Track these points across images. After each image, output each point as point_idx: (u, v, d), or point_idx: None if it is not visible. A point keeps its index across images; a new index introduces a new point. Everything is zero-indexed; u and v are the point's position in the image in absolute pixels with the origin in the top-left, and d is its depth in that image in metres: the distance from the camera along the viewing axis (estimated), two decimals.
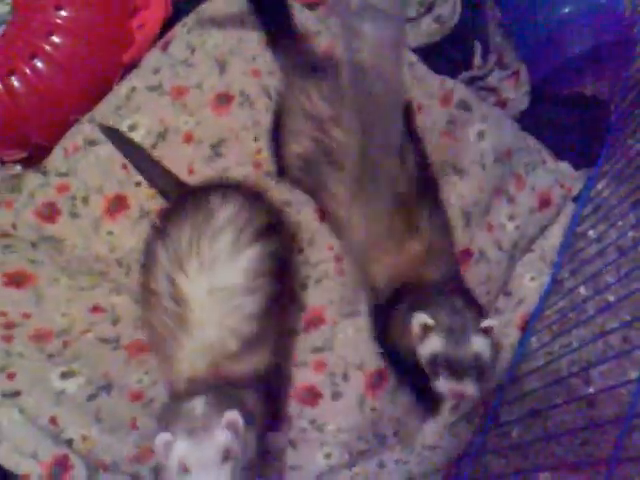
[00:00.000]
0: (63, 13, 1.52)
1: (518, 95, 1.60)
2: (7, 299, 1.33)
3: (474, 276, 1.35)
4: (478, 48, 1.61)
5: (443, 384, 1.07)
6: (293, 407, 1.26)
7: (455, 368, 1.06)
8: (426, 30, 1.62)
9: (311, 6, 1.66)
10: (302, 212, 1.45)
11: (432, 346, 1.09)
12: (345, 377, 1.27)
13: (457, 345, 1.07)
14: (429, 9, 1.63)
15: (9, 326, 1.29)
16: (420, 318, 1.09)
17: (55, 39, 1.52)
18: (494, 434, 1.36)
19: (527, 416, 1.36)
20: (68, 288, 1.38)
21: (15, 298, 1.34)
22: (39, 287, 1.36)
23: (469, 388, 1.06)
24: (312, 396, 1.27)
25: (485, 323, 1.10)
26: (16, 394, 1.21)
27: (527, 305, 1.42)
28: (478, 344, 1.08)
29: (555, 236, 1.50)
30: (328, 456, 1.23)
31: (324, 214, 1.44)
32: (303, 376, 1.28)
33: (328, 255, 1.42)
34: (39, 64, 1.51)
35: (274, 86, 1.50)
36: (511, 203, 1.44)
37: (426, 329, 1.09)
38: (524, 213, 1.44)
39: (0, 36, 1.58)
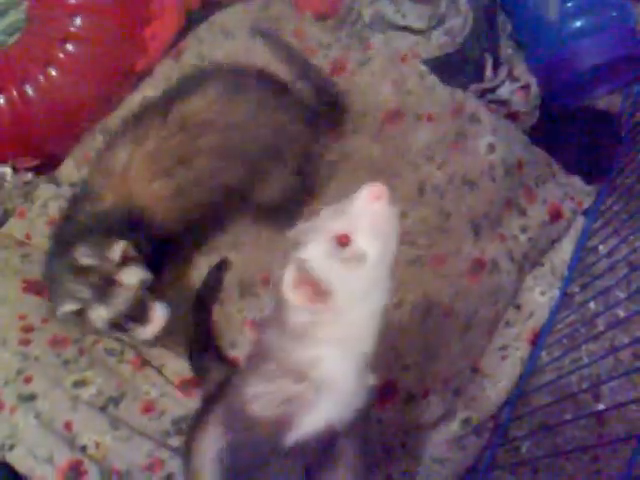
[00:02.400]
0: (77, 21, 1.53)
1: (528, 108, 1.60)
2: (27, 304, 1.34)
3: (486, 286, 1.34)
4: (489, 61, 1.61)
5: None
6: None
7: None
8: (437, 43, 1.62)
9: (322, 18, 1.68)
10: None
11: None
12: None
13: None
14: (440, 22, 1.63)
15: (28, 330, 1.30)
16: None
17: (69, 47, 1.53)
18: (503, 449, 1.34)
19: (537, 431, 1.35)
20: None
21: (35, 303, 1.35)
22: None
23: None
24: None
25: None
26: (32, 397, 1.21)
27: (537, 319, 1.41)
28: None
29: (565, 250, 1.49)
30: None
31: None
32: None
33: None
34: (53, 72, 1.53)
35: None
36: (523, 216, 1.44)
37: None
38: (536, 225, 1.43)
39: (15, 44, 1.60)
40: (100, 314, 1.14)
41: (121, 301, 1.14)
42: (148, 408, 1.25)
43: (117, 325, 1.17)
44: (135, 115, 1.31)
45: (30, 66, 1.53)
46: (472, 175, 1.41)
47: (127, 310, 1.15)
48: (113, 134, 1.33)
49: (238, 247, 1.46)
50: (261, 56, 1.54)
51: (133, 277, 1.16)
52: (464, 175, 1.42)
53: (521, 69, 1.64)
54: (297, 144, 1.35)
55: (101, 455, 1.18)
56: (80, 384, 1.24)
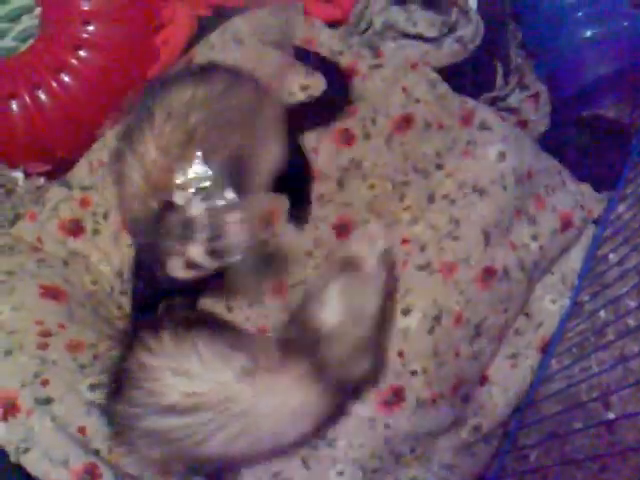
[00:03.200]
0: (90, 28, 1.55)
1: (538, 116, 1.60)
2: (44, 309, 1.35)
3: (496, 293, 1.34)
4: (500, 69, 1.61)
5: None
6: None
7: None
8: (448, 51, 1.62)
9: (333, 25, 1.68)
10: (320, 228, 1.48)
11: None
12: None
13: None
14: (451, 30, 1.63)
15: (45, 334, 1.30)
16: None
17: (82, 53, 1.55)
18: (512, 457, 1.34)
19: (546, 440, 1.34)
20: (92, 312, 1.42)
21: (51, 309, 1.35)
22: (71, 306, 1.39)
23: None
24: None
25: None
26: (49, 401, 1.21)
27: (547, 327, 1.41)
28: None
29: (575, 259, 1.49)
30: (341, 474, 1.22)
31: (339, 231, 1.48)
32: None
33: None
34: (65, 78, 1.54)
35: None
36: (533, 224, 1.43)
37: None
38: (547, 234, 1.43)
39: (28, 49, 1.61)
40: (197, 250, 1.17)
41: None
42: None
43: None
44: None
45: (43, 72, 1.54)
46: (482, 183, 1.41)
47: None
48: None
49: None
50: (272, 63, 1.55)
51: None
52: (474, 183, 1.41)
53: (531, 78, 1.65)
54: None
55: (114, 460, 1.18)
56: (95, 388, 1.24)
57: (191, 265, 1.19)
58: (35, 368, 1.25)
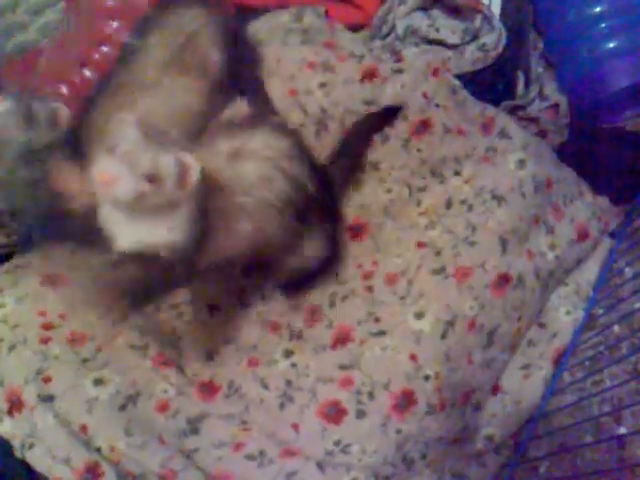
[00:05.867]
0: (114, 24, 1.55)
1: (557, 127, 1.59)
2: (45, 298, 1.34)
3: (510, 301, 1.34)
4: (521, 78, 1.61)
5: None
6: (317, 425, 1.24)
7: None
8: (470, 58, 1.62)
9: (354, 28, 1.69)
10: None
11: None
12: (371, 395, 1.25)
13: None
14: (474, 37, 1.63)
15: (47, 327, 1.30)
16: None
17: (105, 49, 1.55)
18: (522, 468, 1.32)
19: (556, 452, 1.33)
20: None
21: (53, 298, 1.35)
22: (74, 290, 1.37)
23: None
24: (336, 413, 1.24)
25: None
26: (51, 398, 1.22)
27: (561, 339, 1.40)
28: None
29: (591, 271, 1.48)
30: None
31: (355, 232, 1.46)
32: (328, 392, 1.27)
33: (355, 272, 1.42)
34: (88, 73, 1.54)
35: (310, 103, 1.51)
36: (550, 233, 1.43)
37: None
38: (564, 244, 1.42)
39: (50, 43, 1.62)
40: None
41: None
42: (163, 407, 1.25)
43: None
44: None
45: (65, 66, 1.54)
46: (501, 190, 1.41)
47: None
48: None
49: None
50: (291, 66, 1.55)
51: None
52: (493, 189, 1.41)
53: (551, 88, 1.64)
54: None
55: (116, 458, 1.18)
56: (99, 383, 1.24)
57: None
58: (38, 364, 1.25)
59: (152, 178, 0.98)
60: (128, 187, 0.96)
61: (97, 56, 1.54)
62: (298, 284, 1.41)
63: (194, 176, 1.02)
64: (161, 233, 1.06)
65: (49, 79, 1.54)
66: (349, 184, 1.48)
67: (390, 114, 1.49)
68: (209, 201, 1.09)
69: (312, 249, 1.32)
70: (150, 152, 1.00)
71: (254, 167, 1.17)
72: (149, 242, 1.06)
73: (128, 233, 1.05)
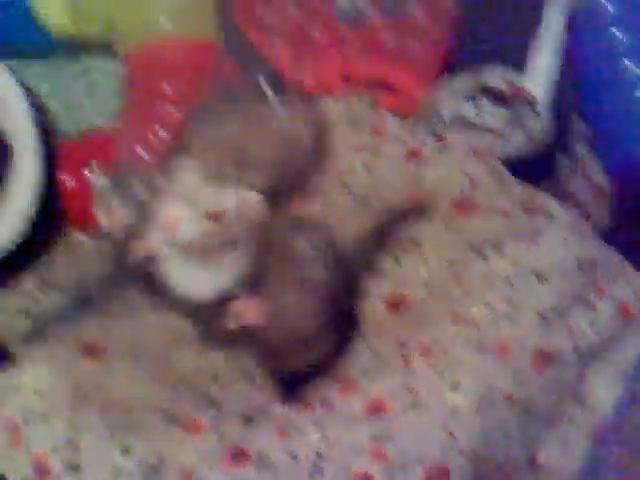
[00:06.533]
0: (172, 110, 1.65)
1: (601, 210, 1.60)
2: (81, 369, 1.34)
3: (549, 377, 1.32)
4: (564, 161, 1.64)
5: None
6: None
7: None
8: (515, 144, 1.67)
9: (401, 116, 1.75)
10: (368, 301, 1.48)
11: None
12: (403, 469, 1.22)
13: None
14: (520, 124, 1.68)
15: (79, 396, 1.29)
16: None
17: (162, 133, 1.64)
18: None
19: None
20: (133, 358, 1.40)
21: (88, 369, 1.35)
22: (108, 359, 1.38)
23: None
24: None
25: None
26: (77, 469, 1.20)
27: (599, 415, 1.37)
28: None
29: (631, 348, 1.44)
30: None
31: (392, 305, 1.47)
32: (360, 464, 1.23)
33: (392, 345, 1.41)
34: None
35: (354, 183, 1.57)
36: (591, 310, 1.41)
37: None
38: (604, 321, 1.40)
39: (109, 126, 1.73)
40: None
41: None
42: (187, 476, 1.20)
43: None
44: None
45: (124, 148, 1.63)
46: (543, 268, 1.41)
47: None
48: None
49: None
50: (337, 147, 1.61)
51: None
52: (534, 268, 1.42)
53: (594, 171, 1.66)
54: None
55: None
56: (126, 452, 1.21)
57: None
58: (67, 433, 1.23)
59: (214, 216, 1.02)
60: (191, 227, 1.01)
61: (154, 139, 1.59)
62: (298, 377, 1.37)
63: (255, 207, 1.06)
64: (224, 278, 1.10)
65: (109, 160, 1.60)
66: (388, 259, 1.52)
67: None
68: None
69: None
70: (211, 191, 1.04)
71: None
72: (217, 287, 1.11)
73: (199, 281, 1.11)
